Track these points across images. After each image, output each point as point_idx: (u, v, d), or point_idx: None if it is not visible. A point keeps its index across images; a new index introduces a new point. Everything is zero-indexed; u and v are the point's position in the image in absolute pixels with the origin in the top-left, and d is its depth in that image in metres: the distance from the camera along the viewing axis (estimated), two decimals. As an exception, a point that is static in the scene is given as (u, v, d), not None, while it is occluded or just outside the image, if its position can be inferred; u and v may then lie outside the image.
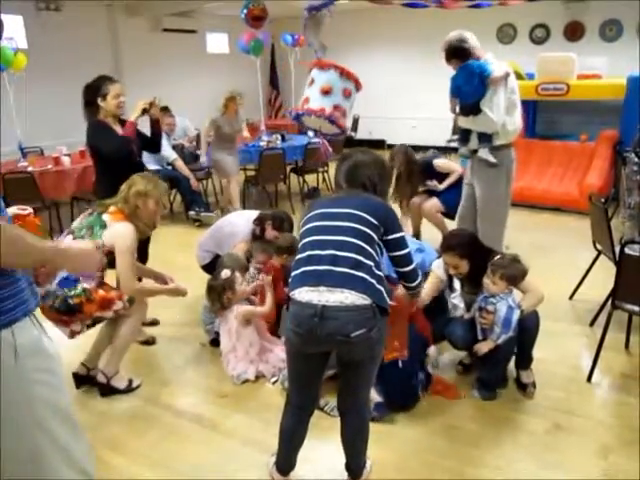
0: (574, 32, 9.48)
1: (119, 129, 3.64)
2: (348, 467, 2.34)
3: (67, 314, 2.88)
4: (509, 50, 9.80)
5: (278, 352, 3.34)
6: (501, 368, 3.04)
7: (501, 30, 10.14)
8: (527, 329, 2.94)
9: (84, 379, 3.22)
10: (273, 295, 3.40)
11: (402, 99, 11.23)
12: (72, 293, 2.86)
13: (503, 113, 3.69)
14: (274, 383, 3.21)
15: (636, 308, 3.06)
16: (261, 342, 3.38)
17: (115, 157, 3.59)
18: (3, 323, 1.45)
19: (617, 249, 3.18)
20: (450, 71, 3.83)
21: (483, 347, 2.91)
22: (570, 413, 2.89)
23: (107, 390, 3.13)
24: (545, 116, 8.74)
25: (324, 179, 7.96)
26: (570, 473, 2.46)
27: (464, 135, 3.96)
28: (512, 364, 3.10)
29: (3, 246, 1.36)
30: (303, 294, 2.01)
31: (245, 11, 7.43)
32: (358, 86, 2.64)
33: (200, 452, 2.69)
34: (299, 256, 2.14)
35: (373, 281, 2.02)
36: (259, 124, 8.69)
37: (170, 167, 6.56)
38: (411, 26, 10.36)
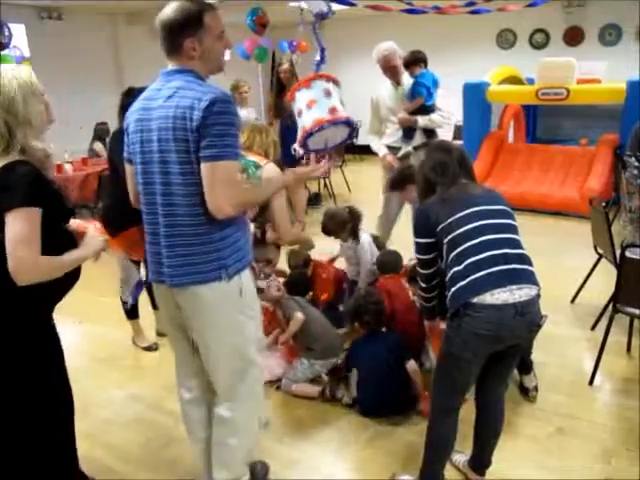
0: (574, 37, 9.51)
1: None
2: (481, 463, 2.38)
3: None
4: (509, 55, 9.84)
5: (278, 359, 3.37)
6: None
7: (501, 35, 10.18)
8: None
9: None
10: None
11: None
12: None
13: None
14: (277, 389, 3.23)
15: (637, 311, 3.06)
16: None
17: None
18: (238, 268, 1.98)
19: (618, 253, 3.19)
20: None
21: None
22: (572, 417, 2.89)
23: None
24: (545, 121, 8.77)
25: (325, 185, 7.99)
26: (572, 477, 2.47)
27: (410, 134, 4.35)
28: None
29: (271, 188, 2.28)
30: (496, 296, 1.98)
31: (254, 18, 7.45)
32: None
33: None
34: (471, 260, 2.03)
35: (534, 270, 2.11)
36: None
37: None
38: (410, 32, 10.39)
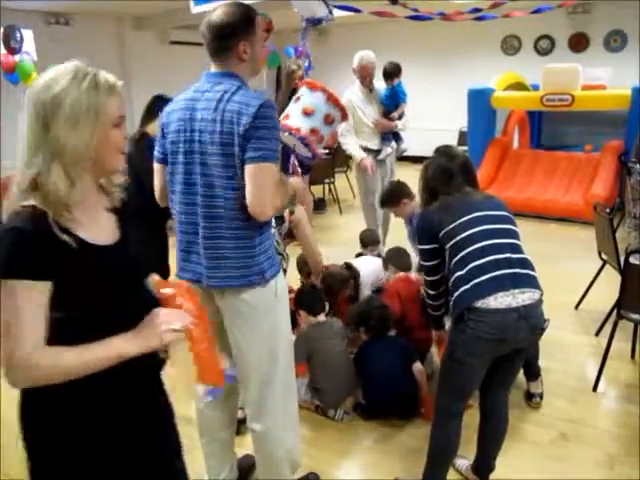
0: (579, 43, 9.51)
1: None
2: (485, 468, 2.39)
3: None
4: (514, 61, 9.84)
5: None
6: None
7: (506, 41, 10.19)
8: None
9: None
10: None
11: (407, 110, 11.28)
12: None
13: None
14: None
15: (641, 318, 3.06)
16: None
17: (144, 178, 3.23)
18: (273, 273, 2.00)
19: (622, 259, 3.19)
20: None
21: None
22: (576, 423, 2.89)
23: None
24: (550, 127, 8.76)
25: (330, 190, 7.99)
26: (576, 482, 2.47)
27: (388, 137, 4.78)
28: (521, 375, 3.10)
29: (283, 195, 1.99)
30: (499, 299, 1.99)
31: None
32: (344, 115, 2.58)
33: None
34: (475, 264, 2.04)
35: (536, 275, 2.12)
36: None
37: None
38: (415, 39, 10.43)
